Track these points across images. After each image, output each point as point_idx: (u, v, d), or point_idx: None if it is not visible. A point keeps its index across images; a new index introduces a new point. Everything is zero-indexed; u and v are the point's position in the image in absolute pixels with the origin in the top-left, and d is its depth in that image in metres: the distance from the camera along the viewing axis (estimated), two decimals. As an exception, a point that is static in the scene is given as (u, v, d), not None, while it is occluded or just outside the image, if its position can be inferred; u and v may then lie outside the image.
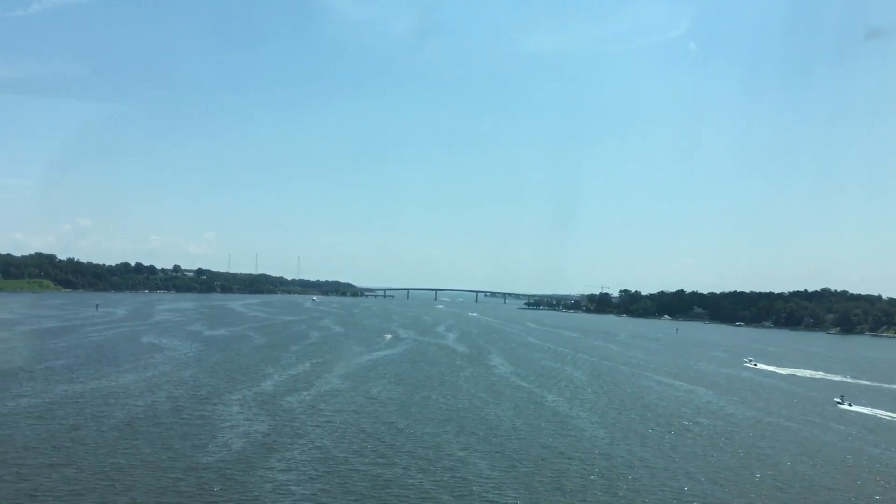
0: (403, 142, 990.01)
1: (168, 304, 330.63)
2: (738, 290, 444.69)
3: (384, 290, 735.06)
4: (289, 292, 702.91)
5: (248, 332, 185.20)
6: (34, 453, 54.11)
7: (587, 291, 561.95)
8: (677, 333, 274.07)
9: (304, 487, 49.13)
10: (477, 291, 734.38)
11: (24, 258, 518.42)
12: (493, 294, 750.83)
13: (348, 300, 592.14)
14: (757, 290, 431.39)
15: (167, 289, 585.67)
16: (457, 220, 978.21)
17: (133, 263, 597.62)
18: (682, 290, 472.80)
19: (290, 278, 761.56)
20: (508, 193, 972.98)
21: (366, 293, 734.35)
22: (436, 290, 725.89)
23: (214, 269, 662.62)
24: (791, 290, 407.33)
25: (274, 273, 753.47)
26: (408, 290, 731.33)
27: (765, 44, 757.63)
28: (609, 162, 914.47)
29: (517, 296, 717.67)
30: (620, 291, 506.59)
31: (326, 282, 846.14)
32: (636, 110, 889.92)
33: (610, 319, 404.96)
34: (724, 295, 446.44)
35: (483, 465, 57.58)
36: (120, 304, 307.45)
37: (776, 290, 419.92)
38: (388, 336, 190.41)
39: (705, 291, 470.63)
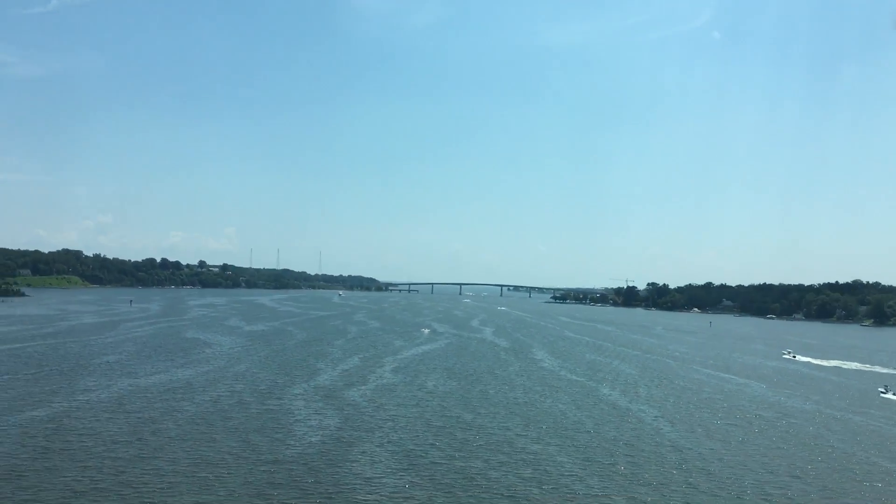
0: (425, 136, 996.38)
1: (198, 300, 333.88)
2: (766, 283, 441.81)
3: (408, 284, 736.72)
4: (313, 287, 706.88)
5: (285, 327, 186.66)
6: (123, 446, 55.07)
7: (611, 285, 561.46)
8: (711, 327, 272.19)
9: (394, 480, 49.59)
10: (501, 286, 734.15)
11: (51, 254, 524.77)
12: (517, 288, 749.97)
13: (374, 295, 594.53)
14: (785, 283, 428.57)
15: (192, 284, 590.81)
16: (479, 215, 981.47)
17: (158, 259, 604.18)
18: (710, 283, 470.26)
19: (312, 273, 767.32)
20: (530, 187, 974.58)
21: (390, 288, 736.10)
22: (460, 284, 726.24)
23: (235, 264, 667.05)
24: (822, 283, 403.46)
25: (295, 268, 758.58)
26: (432, 284, 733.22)
27: (790, 32, 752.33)
28: (631, 154, 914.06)
29: (540, 289, 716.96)
30: (647, 284, 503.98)
31: (349, 276, 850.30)
32: (659, 101, 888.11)
33: (639, 313, 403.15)
34: (753, 287, 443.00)
35: (561, 458, 57.73)
36: (151, 300, 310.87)
37: (804, 283, 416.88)
38: (426, 330, 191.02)
39: (732, 284, 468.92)
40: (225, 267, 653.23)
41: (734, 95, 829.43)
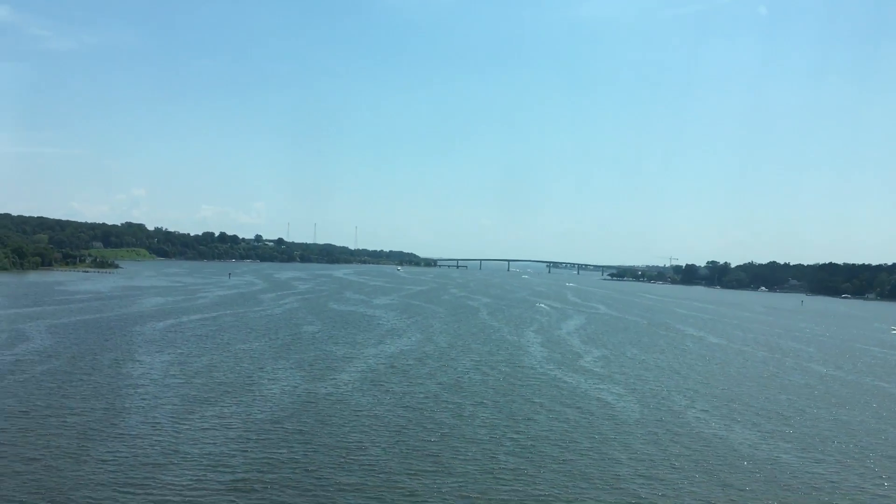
0: (460, 113, 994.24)
1: (281, 274, 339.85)
2: (832, 262, 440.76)
3: (456, 260, 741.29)
4: (362, 262, 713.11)
5: (410, 300, 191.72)
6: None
7: (656, 263, 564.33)
8: (803, 305, 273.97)
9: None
10: (548, 262, 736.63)
11: (119, 227, 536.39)
12: (559, 265, 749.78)
13: (429, 270, 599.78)
14: (848, 262, 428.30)
15: (250, 258, 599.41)
16: (506, 191, 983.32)
17: (217, 233, 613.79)
18: (774, 262, 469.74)
19: (352, 248, 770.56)
20: (573, 165, 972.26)
21: (439, 264, 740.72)
22: (508, 260, 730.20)
23: (266, 236, 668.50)
24: (892, 262, 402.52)
25: (334, 242, 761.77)
26: (480, 260, 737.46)
27: (837, 7, 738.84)
28: (673, 130, 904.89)
29: (584, 266, 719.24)
30: (708, 262, 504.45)
31: (390, 252, 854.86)
32: (702, 76, 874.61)
33: (707, 291, 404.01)
34: (817, 267, 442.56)
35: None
36: (240, 274, 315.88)
37: (856, 262, 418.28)
38: (543, 305, 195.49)
39: (792, 263, 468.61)
40: (280, 241, 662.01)
41: (779, 71, 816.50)
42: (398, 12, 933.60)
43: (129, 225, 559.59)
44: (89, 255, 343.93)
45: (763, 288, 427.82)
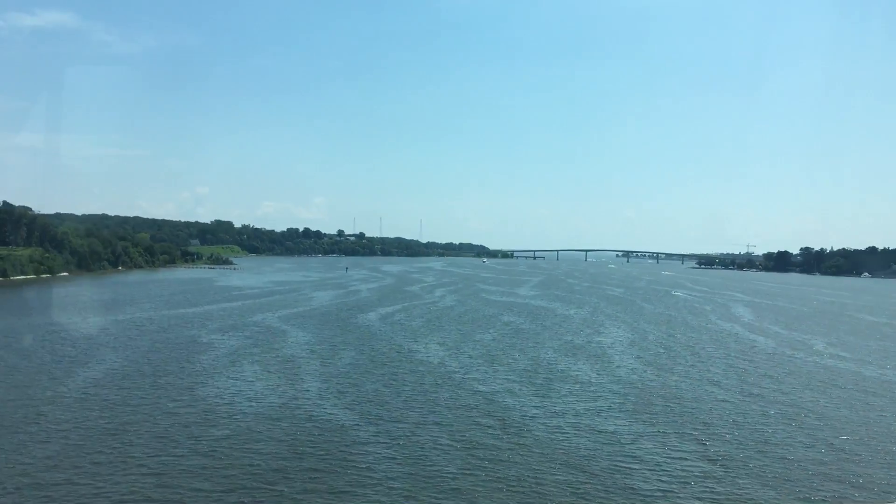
0: (520, 103, 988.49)
1: (384, 267, 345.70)
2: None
3: (533, 251, 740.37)
4: (440, 255, 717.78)
5: (552, 292, 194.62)
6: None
7: (731, 250, 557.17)
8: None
9: None
10: (625, 252, 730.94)
11: (210, 225, 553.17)
12: (635, 254, 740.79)
13: (512, 262, 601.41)
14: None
15: (334, 252, 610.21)
16: (563, 181, 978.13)
17: (301, 229, 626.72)
18: (873, 247, 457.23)
19: (423, 241, 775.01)
20: (643, 152, 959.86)
21: (515, 255, 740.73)
22: (585, 251, 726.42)
23: (324, 231, 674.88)
24: None
25: (403, 236, 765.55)
26: (557, 251, 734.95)
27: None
28: (739, 111, 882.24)
29: (661, 255, 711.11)
30: (801, 249, 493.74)
31: (461, 244, 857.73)
32: (772, 52, 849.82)
33: (811, 279, 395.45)
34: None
35: None
36: (352, 268, 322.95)
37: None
38: (679, 293, 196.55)
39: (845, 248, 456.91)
40: (360, 236, 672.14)
41: (853, 44, 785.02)
42: (457, 4, 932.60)
43: (218, 223, 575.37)
44: (197, 254, 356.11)
45: (866, 274, 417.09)
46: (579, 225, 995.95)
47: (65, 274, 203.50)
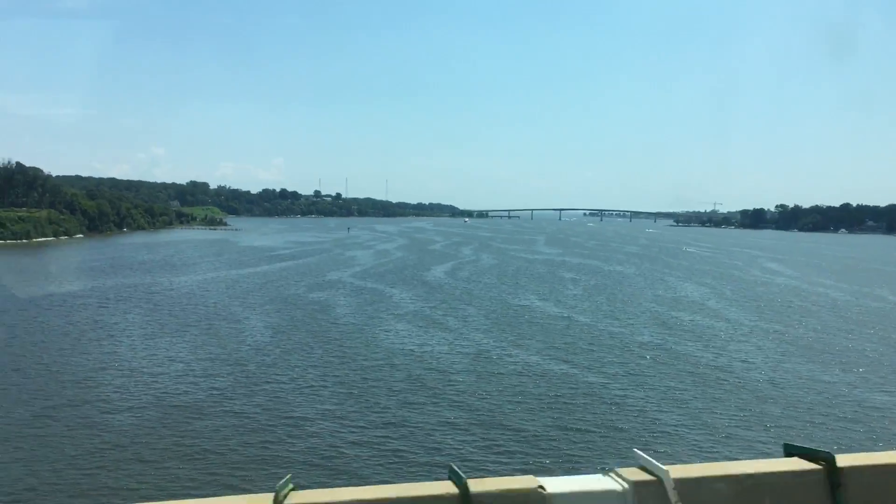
0: (485, 64, 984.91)
1: (379, 227, 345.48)
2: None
3: (507, 211, 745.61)
4: (416, 215, 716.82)
5: (569, 254, 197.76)
6: None
7: (698, 209, 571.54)
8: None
9: None
10: (600, 211, 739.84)
11: (185, 186, 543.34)
12: (608, 213, 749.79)
13: (488, 223, 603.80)
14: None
15: (312, 213, 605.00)
16: (530, 141, 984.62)
17: (278, 189, 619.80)
18: (847, 203, 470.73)
19: (394, 201, 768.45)
20: (617, 114, 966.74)
21: (490, 215, 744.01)
22: (559, 209, 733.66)
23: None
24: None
25: (361, 196, 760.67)
26: (531, 210, 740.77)
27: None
28: (711, 73, 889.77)
29: (628, 214, 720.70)
30: (777, 206, 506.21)
31: (431, 205, 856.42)
32: (737, 15, 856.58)
33: (789, 235, 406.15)
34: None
35: None
36: (349, 229, 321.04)
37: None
38: (690, 249, 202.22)
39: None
40: (337, 197, 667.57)
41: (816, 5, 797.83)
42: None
43: (194, 184, 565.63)
44: (191, 215, 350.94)
45: (843, 230, 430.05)
46: (549, 185, 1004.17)
47: (80, 236, 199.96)
